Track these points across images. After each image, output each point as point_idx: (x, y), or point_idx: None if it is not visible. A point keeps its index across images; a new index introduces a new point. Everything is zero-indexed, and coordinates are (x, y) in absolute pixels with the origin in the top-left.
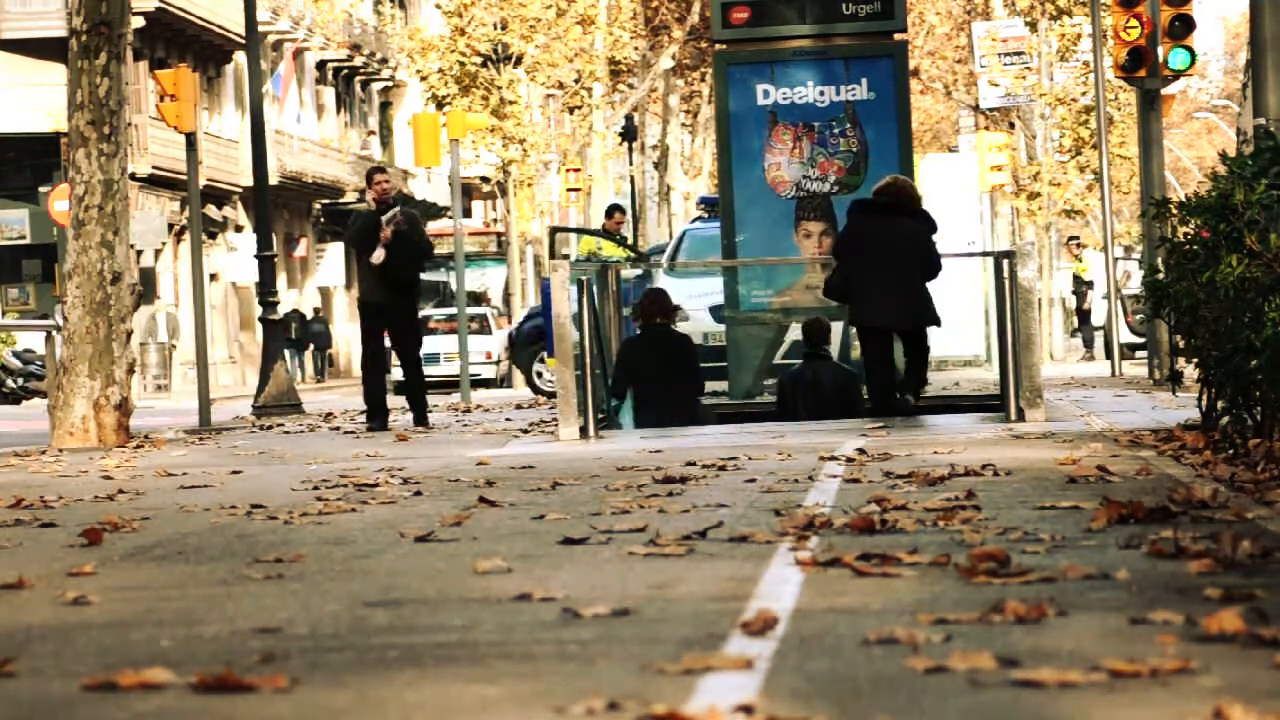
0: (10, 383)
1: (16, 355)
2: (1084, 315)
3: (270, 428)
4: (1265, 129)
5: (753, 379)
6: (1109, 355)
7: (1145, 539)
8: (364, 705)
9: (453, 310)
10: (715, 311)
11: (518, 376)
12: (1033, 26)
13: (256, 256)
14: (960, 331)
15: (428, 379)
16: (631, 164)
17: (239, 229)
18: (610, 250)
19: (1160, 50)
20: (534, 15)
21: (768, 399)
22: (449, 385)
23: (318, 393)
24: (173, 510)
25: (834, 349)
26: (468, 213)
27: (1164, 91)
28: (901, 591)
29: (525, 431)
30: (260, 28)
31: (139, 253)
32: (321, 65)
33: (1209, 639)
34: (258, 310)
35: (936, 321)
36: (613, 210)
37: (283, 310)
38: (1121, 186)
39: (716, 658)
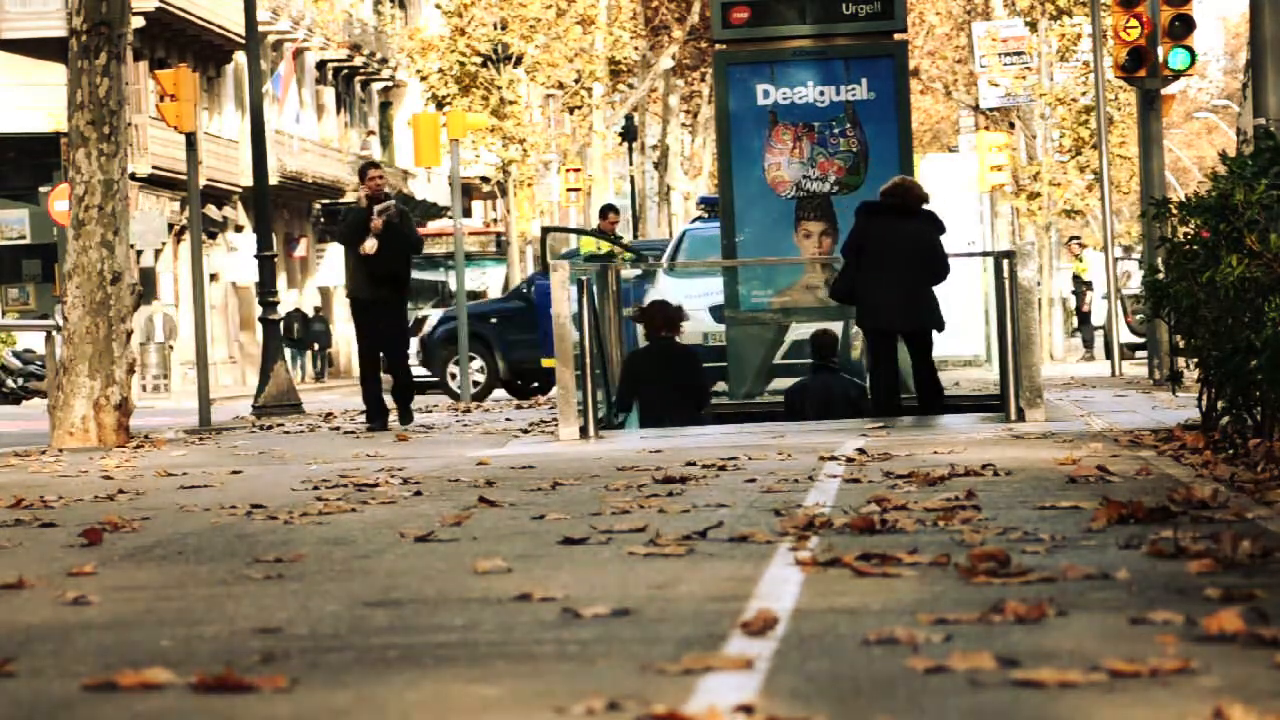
0: (10, 383)
1: (16, 355)
2: (1084, 315)
3: (270, 428)
4: (1265, 129)
5: (753, 379)
6: (1109, 355)
7: (1145, 539)
8: (364, 705)
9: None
10: (715, 311)
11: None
12: (1033, 26)
13: (256, 256)
14: (960, 331)
15: (428, 379)
16: (631, 164)
17: (239, 229)
18: (608, 250)
19: (1160, 50)
20: (534, 15)
21: (768, 399)
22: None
23: (318, 393)
24: (173, 510)
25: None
26: (468, 213)
27: (1164, 91)
28: (901, 591)
29: (525, 431)
30: (260, 28)
31: (139, 253)
32: (321, 65)
33: (1209, 639)
34: (258, 310)
35: (940, 325)
36: (606, 210)
37: (284, 310)
38: (1121, 186)
39: (716, 658)
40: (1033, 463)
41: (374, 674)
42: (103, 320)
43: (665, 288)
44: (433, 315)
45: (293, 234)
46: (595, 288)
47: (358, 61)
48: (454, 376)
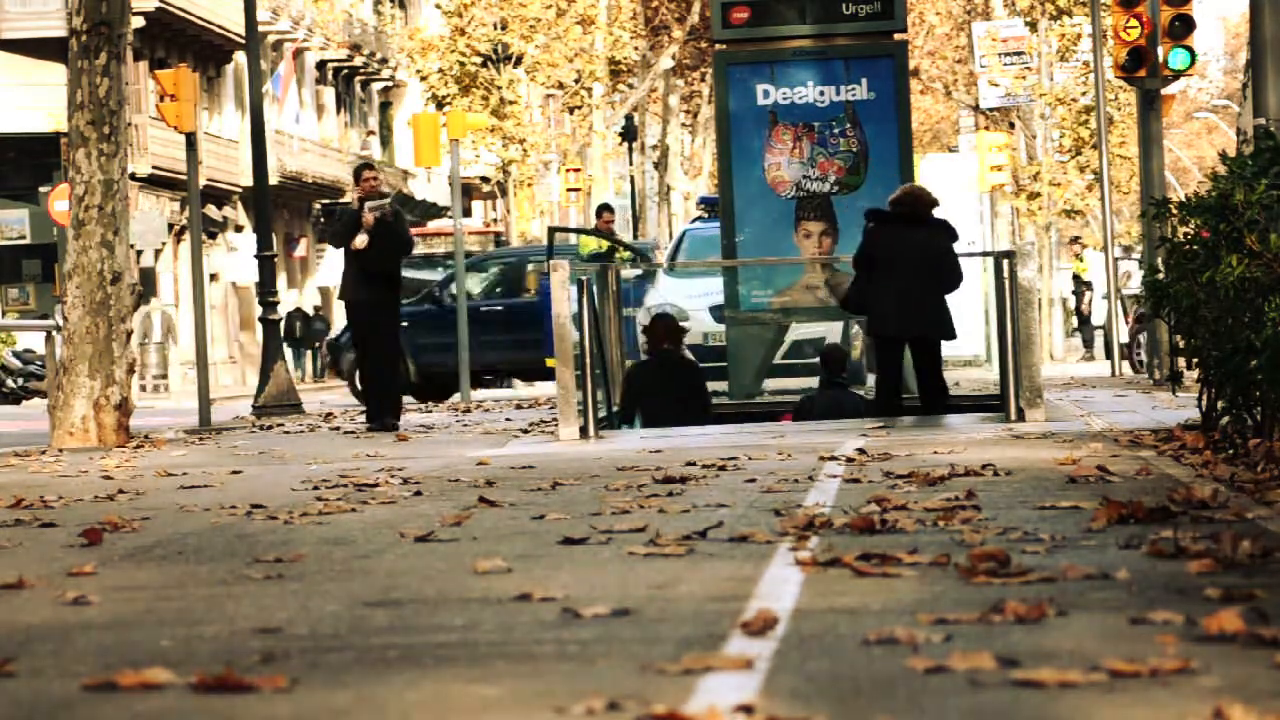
0: (10, 383)
1: (16, 355)
2: (1084, 315)
3: (270, 428)
4: (1265, 129)
5: (753, 379)
6: (1109, 355)
7: (1145, 539)
8: (364, 705)
9: None
10: (715, 311)
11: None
12: (1033, 26)
13: (256, 256)
14: (960, 331)
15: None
16: (631, 164)
17: (239, 229)
18: (608, 248)
19: (1160, 50)
20: (534, 15)
21: (768, 399)
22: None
23: (318, 393)
24: (173, 510)
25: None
26: (468, 212)
27: (1164, 91)
28: (901, 591)
29: (525, 431)
30: (260, 28)
31: (139, 253)
32: (321, 65)
33: (1209, 639)
34: (258, 310)
35: (950, 335)
36: (602, 210)
37: (284, 310)
38: (1121, 186)
39: (716, 658)
40: (1033, 463)
41: (374, 674)
42: (103, 320)
43: (665, 287)
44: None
45: (293, 234)
46: (595, 288)
47: (358, 61)
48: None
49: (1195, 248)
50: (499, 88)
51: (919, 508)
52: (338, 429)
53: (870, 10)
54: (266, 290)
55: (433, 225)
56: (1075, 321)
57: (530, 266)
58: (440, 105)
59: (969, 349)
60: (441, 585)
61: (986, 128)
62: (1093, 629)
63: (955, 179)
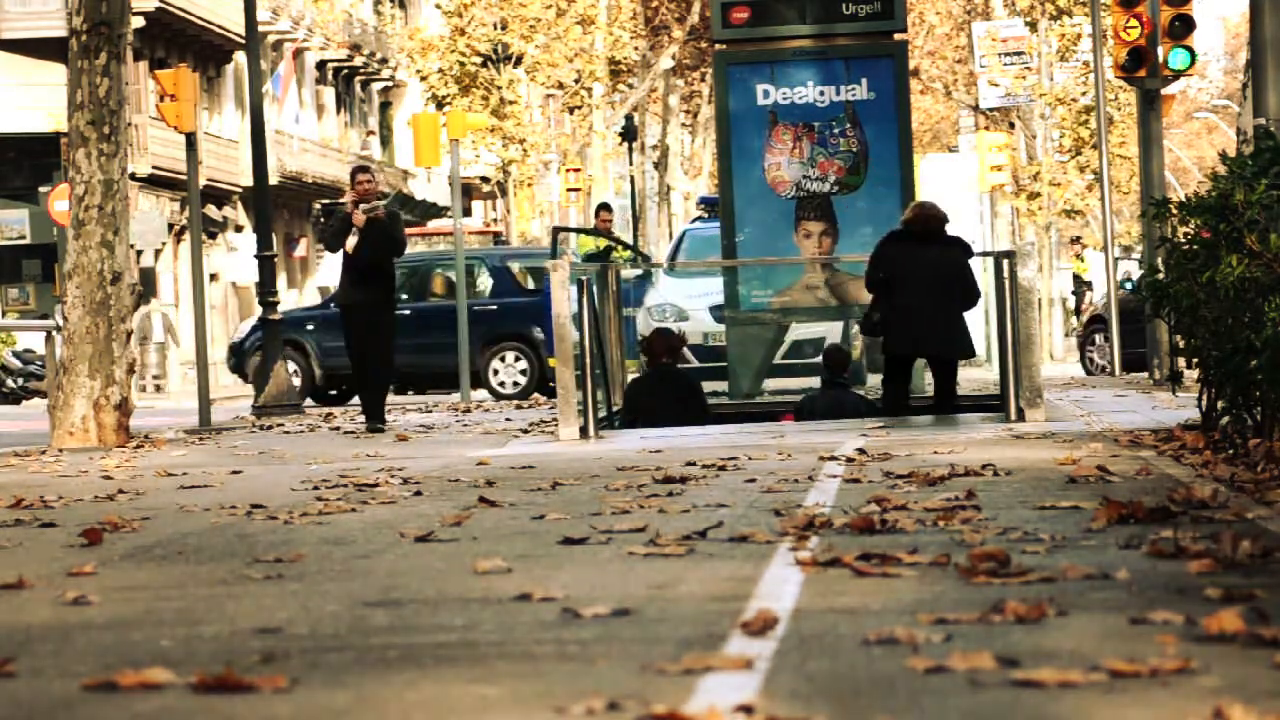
0: (10, 383)
1: (16, 355)
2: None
3: (270, 428)
4: (1265, 129)
5: (753, 379)
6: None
7: (1145, 539)
8: (364, 705)
9: None
10: (715, 311)
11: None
12: (1033, 26)
13: (256, 256)
14: None
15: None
16: (631, 164)
17: (239, 229)
18: (606, 247)
19: (1160, 50)
20: (534, 15)
21: (768, 399)
22: (449, 385)
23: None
24: (173, 510)
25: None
26: (468, 212)
27: (1164, 91)
28: (901, 591)
29: (525, 431)
30: (260, 28)
31: (139, 253)
32: (321, 65)
33: (1209, 639)
34: (257, 310)
35: (969, 352)
36: (600, 209)
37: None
38: (1121, 186)
39: (716, 658)
40: (1033, 463)
41: (374, 674)
42: (103, 320)
43: (665, 288)
44: (245, 323)
45: (293, 234)
46: (595, 288)
47: (358, 61)
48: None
49: (1195, 248)
50: (499, 88)
51: (919, 508)
52: (338, 429)
53: (870, 10)
54: (266, 290)
55: (433, 225)
56: (1075, 321)
57: (438, 270)
58: (440, 105)
59: None
60: (441, 585)
61: (986, 128)
62: (1093, 629)
63: (955, 179)
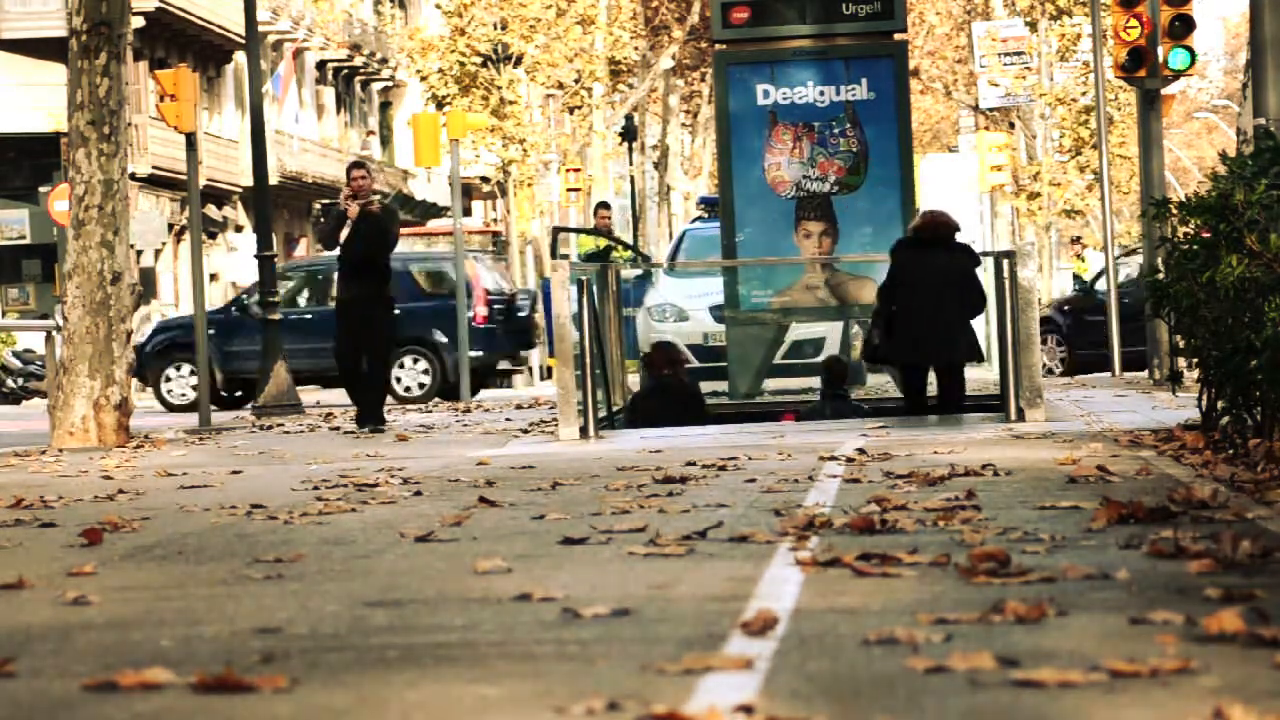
0: (10, 383)
1: (16, 355)
2: None
3: (270, 428)
4: (1265, 129)
5: (753, 379)
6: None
7: (1145, 539)
8: (364, 705)
9: None
10: (715, 311)
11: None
12: (1033, 26)
13: (256, 256)
14: None
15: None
16: (631, 164)
17: (239, 229)
18: (605, 246)
19: (1160, 50)
20: (534, 15)
21: (768, 399)
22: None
23: (318, 393)
24: (173, 510)
25: (835, 346)
26: (468, 212)
27: (1164, 91)
28: (901, 591)
29: (525, 431)
30: (260, 28)
31: (139, 253)
32: (321, 65)
33: (1209, 639)
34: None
35: (978, 358)
36: (598, 207)
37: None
38: (1121, 186)
39: (716, 658)
40: (1033, 463)
41: (374, 674)
42: (103, 320)
43: (665, 288)
44: (147, 326)
45: (293, 234)
46: (595, 288)
47: (358, 61)
48: (170, 391)
49: (1195, 248)
50: (499, 88)
51: (919, 508)
52: (338, 429)
53: (870, 10)
54: (266, 290)
55: (433, 225)
56: None
57: (336, 275)
58: (440, 105)
59: None
60: (441, 585)
61: (986, 128)
62: (1093, 629)
63: (955, 179)
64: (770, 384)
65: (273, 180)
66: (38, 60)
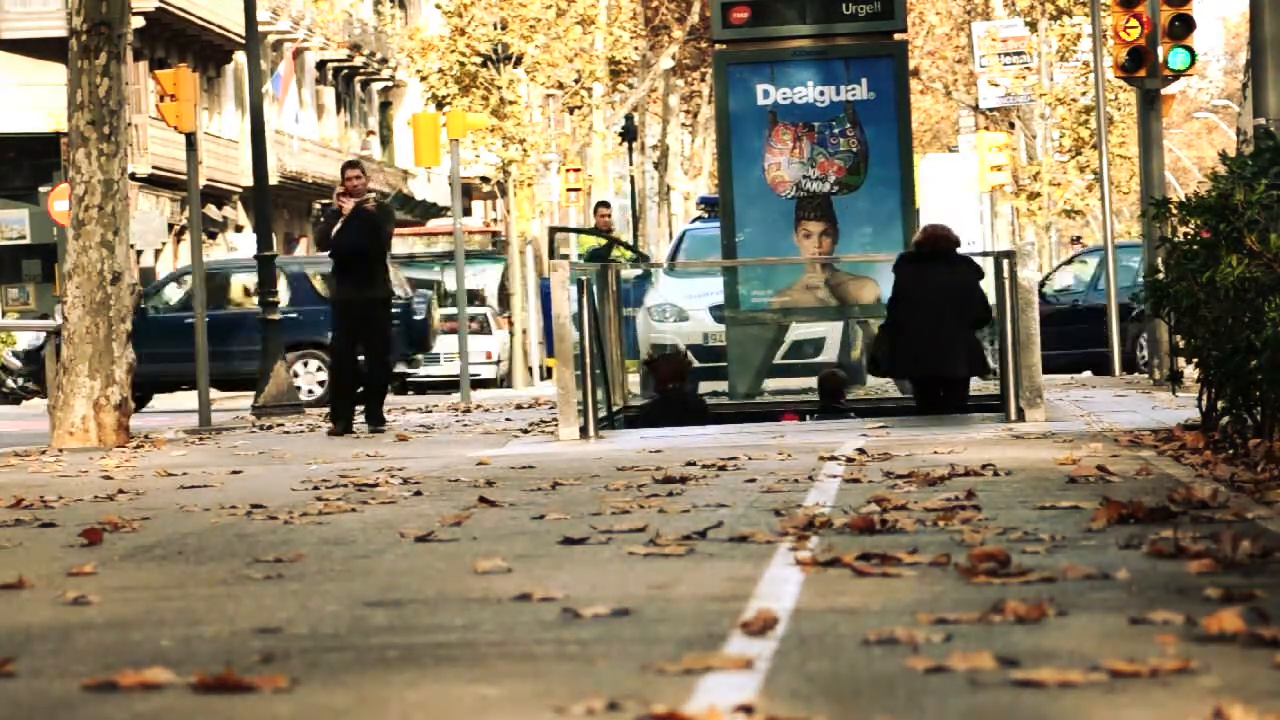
0: (10, 383)
1: (16, 355)
2: None
3: (270, 428)
4: (1265, 129)
5: (753, 379)
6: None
7: (1145, 539)
8: (364, 705)
9: (453, 310)
10: (715, 311)
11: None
12: (1033, 26)
13: (256, 257)
14: None
15: (429, 379)
16: (631, 164)
17: (239, 229)
18: (605, 245)
19: (1160, 50)
20: (534, 15)
21: (768, 399)
22: (449, 385)
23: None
24: (173, 510)
25: (835, 346)
26: (468, 212)
27: (1164, 91)
28: (901, 591)
29: (525, 431)
30: (260, 28)
31: (139, 253)
32: (321, 65)
33: (1209, 639)
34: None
35: (983, 371)
36: (598, 206)
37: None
38: (1121, 186)
39: (716, 658)
40: (1033, 463)
41: (374, 674)
42: (103, 320)
43: (665, 287)
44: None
45: (293, 234)
46: (595, 288)
47: (358, 61)
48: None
49: (1195, 248)
50: (499, 88)
51: (919, 508)
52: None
53: (870, 10)
54: (266, 290)
55: (432, 225)
56: None
57: (234, 279)
58: (440, 105)
59: None
60: (441, 585)
61: (986, 128)
62: (1093, 629)
63: (955, 179)
64: (770, 384)
65: (273, 180)
66: (38, 60)
